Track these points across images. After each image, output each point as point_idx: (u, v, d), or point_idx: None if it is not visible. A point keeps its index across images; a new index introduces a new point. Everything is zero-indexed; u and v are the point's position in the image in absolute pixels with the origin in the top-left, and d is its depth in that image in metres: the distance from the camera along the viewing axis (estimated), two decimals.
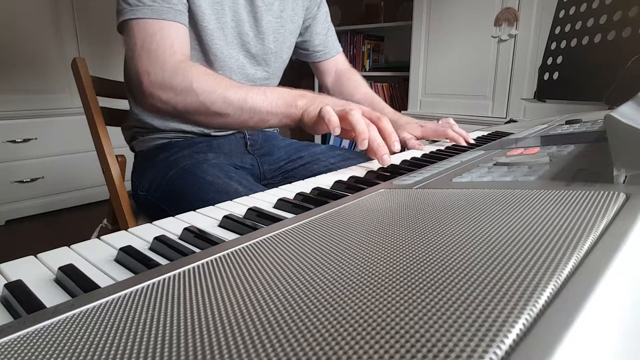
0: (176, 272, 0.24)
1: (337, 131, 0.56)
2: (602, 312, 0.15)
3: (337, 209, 0.34)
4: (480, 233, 0.23)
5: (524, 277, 0.17)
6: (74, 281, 0.26)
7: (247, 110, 0.61)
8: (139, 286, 0.22)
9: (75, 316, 0.20)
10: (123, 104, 0.86)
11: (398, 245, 0.23)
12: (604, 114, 0.32)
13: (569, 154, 0.43)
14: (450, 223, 0.25)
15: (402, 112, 0.91)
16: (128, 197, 0.82)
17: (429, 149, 0.74)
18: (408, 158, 0.63)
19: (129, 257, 0.29)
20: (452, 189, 0.35)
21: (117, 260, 0.30)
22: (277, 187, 0.50)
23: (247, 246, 0.27)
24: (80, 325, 0.19)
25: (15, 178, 2.06)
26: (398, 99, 2.81)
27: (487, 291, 0.16)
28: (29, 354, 0.17)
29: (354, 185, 0.46)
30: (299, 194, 0.44)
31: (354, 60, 2.91)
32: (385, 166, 0.54)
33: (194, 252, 0.29)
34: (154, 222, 0.38)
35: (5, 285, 0.25)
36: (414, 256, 0.21)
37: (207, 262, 0.25)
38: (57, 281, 0.27)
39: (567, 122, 0.74)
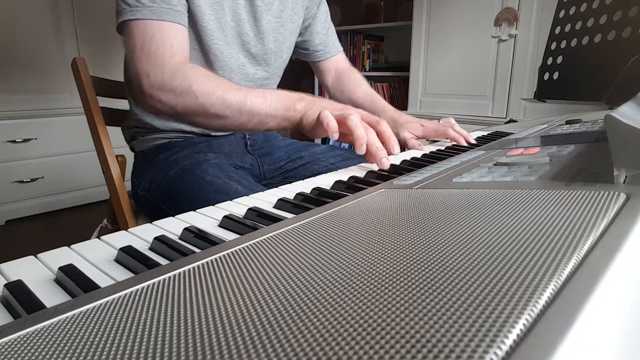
0: (176, 272, 0.24)
1: (336, 136, 0.57)
2: (602, 313, 0.15)
3: (337, 209, 0.34)
4: (481, 233, 0.23)
5: (525, 277, 0.17)
6: (74, 281, 0.26)
7: (246, 113, 0.61)
8: (139, 286, 0.22)
9: (75, 316, 0.20)
10: (123, 104, 0.86)
11: (398, 246, 0.23)
12: (604, 114, 0.32)
13: (569, 154, 0.43)
14: (451, 223, 0.25)
15: (402, 112, 0.91)
16: (128, 197, 0.82)
17: (429, 149, 0.74)
18: (408, 158, 0.63)
19: (129, 257, 0.29)
20: (452, 189, 0.35)
21: (117, 260, 0.30)
22: (277, 187, 0.50)
23: (247, 246, 0.27)
24: (80, 326, 0.19)
25: (15, 178, 2.06)
26: (398, 99, 2.81)
27: (488, 291, 0.16)
28: (29, 354, 0.17)
29: (354, 185, 0.46)
30: (299, 194, 0.44)
31: (354, 60, 2.91)
32: (384, 169, 0.54)
33: (194, 252, 0.29)
34: (154, 222, 0.38)
35: (5, 285, 0.25)
36: (414, 256, 0.21)
37: (207, 262, 0.25)
38: (57, 281, 0.27)
39: (567, 122, 0.74)
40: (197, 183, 0.66)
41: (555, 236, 0.21)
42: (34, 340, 0.18)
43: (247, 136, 0.85)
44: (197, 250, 0.30)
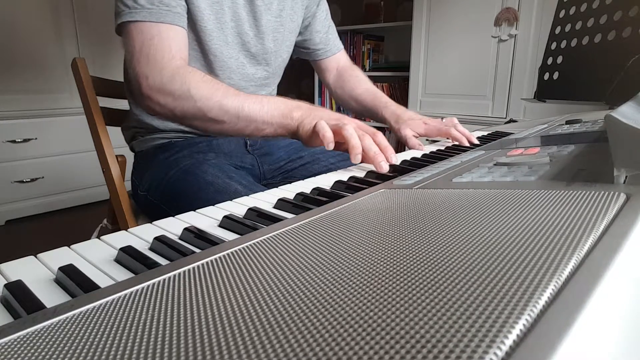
0: (176, 272, 0.24)
1: (331, 146, 0.57)
2: (602, 313, 0.15)
3: (337, 209, 0.34)
4: (481, 233, 0.23)
5: (525, 277, 0.17)
6: (74, 281, 0.26)
7: (243, 119, 0.62)
8: (139, 286, 0.22)
9: (75, 316, 0.20)
10: (123, 104, 0.86)
11: (398, 246, 0.23)
12: (604, 114, 0.32)
13: (569, 154, 0.43)
14: (451, 223, 0.25)
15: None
16: (128, 197, 0.81)
17: (429, 149, 0.74)
18: (408, 158, 0.63)
19: (129, 257, 0.29)
20: (453, 189, 0.35)
21: (117, 261, 0.30)
22: (277, 187, 0.50)
23: (247, 246, 0.27)
24: (80, 326, 0.19)
25: (15, 178, 2.05)
26: (398, 99, 2.80)
27: (488, 291, 0.16)
28: (29, 355, 0.17)
29: (354, 185, 0.46)
30: (299, 194, 0.44)
31: (354, 61, 2.89)
32: (383, 172, 0.54)
33: (194, 252, 0.29)
34: (154, 222, 0.38)
35: (5, 286, 0.25)
36: (414, 256, 0.21)
37: (207, 262, 0.25)
38: (57, 281, 0.27)
39: (567, 122, 0.74)
40: (197, 183, 0.66)
41: (555, 236, 0.21)
42: (34, 341, 0.18)
43: None
44: (197, 250, 0.30)
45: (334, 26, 0.99)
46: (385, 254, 0.22)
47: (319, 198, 0.42)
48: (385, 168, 0.54)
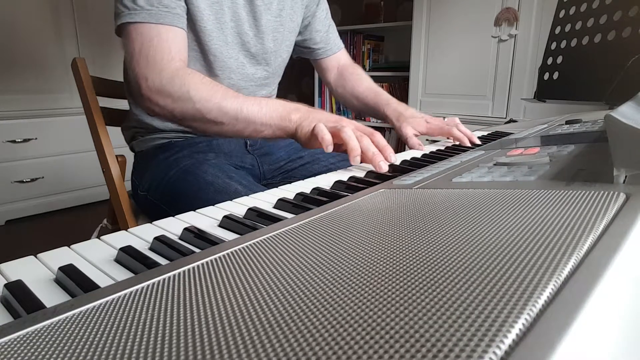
0: (176, 272, 0.24)
1: (330, 149, 0.57)
2: (602, 312, 0.15)
3: (337, 209, 0.34)
4: (480, 233, 0.23)
5: (524, 276, 0.17)
6: (74, 281, 0.26)
7: (242, 120, 0.62)
8: (139, 286, 0.22)
9: (75, 316, 0.20)
10: (123, 104, 0.86)
11: (398, 245, 0.23)
12: (604, 114, 0.32)
13: (569, 154, 0.43)
14: (450, 223, 0.25)
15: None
16: (128, 197, 0.82)
17: (429, 149, 0.74)
18: (408, 158, 0.63)
19: (129, 257, 0.29)
20: (452, 189, 0.35)
21: (117, 260, 0.30)
22: (277, 187, 0.51)
23: (247, 246, 0.27)
24: (80, 326, 0.19)
25: (15, 178, 2.05)
26: (398, 99, 2.78)
27: (487, 291, 0.16)
28: (29, 354, 0.17)
29: (354, 185, 0.46)
30: (299, 194, 0.44)
31: (354, 61, 2.90)
32: (382, 172, 0.54)
33: (194, 252, 0.29)
34: (154, 222, 0.38)
35: (5, 285, 0.25)
36: (414, 256, 0.21)
37: (207, 262, 0.25)
38: (57, 281, 0.27)
39: (567, 122, 0.74)
40: (197, 183, 0.66)
41: (554, 236, 0.21)
42: (34, 340, 0.18)
43: None
44: (197, 250, 0.30)
45: (334, 25, 0.99)
46: (385, 253, 0.22)
47: (319, 198, 0.42)
48: (384, 168, 0.54)
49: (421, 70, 2.38)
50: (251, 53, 0.79)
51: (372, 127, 0.61)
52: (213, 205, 0.44)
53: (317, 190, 0.46)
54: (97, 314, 0.19)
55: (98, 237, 0.35)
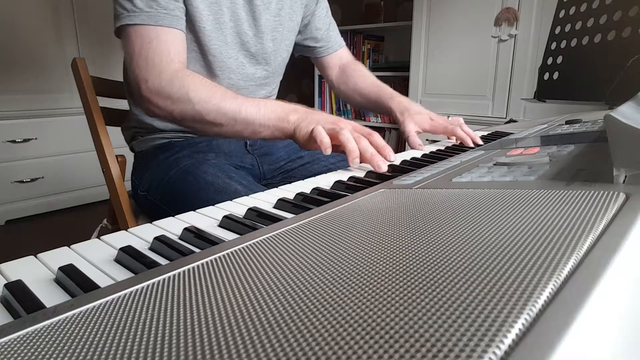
0: (176, 272, 0.24)
1: (329, 152, 0.58)
2: (601, 312, 0.15)
3: (337, 209, 0.34)
4: (480, 233, 0.23)
5: (524, 276, 0.17)
6: (74, 281, 0.26)
7: (241, 122, 0.62)
8: (139, 286, 0.22)
9: (75, 316, 0.20)
10: (123, 104, 0.86)
11: (398, 245, 0.23)
12: (604, 114, 0.32)
13: (569, 154, 0.43)
14: (450, 223, 0.25)
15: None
16: (128, 197, 0.82)
17: (429, 149, 0.74)
18: (408, 158, 0.63)
19: (129, 257, 0.29)
20: (452, 189, 0.35)
21: (117, 260, 0.30)
22: (277, 187, 0.51)
23: (247, 246, 0.27)
24: (80, 325, 0.19)
25: (15, 178, 2.05)
26: None
27: (487, 291, 0.16)
28: (29, 354, 0.17)
29: (354, 185, 0.46)
30: (299, 194, 0.44)
31: None
32: (382, 172, 0.54)
33: (193, 252, 0.29)
34: (154, 222, 0.38)
35: (5, 285, 0.25)
36: (413, 256, 0.21)
37: (207, 262, 0.25)
38: (57, 281, 0.27)
39: (567, 122, 0.74)
40: (197, 183, 0.66)
41: (554, 236, 0.21)
42: (34, 340, 0.18)
43: None
44: (197, 250, 0.30)
45: (335, 23, 0.99)
46: (385, 253, 0.22)
47: (319, 198, 0.42)
48: (383, 168, 0.54)
49: (421, 70, 2.38)
50: (251, 53, 0.79)
51: (371, 127, 0.62)
52: (213, 205, 0.44)
53: (317, 190, 0.46)
54: (97, 314, 0.19)
55: (98, 237, 0.35)
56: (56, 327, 0.19)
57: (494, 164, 0.44)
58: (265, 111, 0.62)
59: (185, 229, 0.34)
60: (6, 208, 2.06)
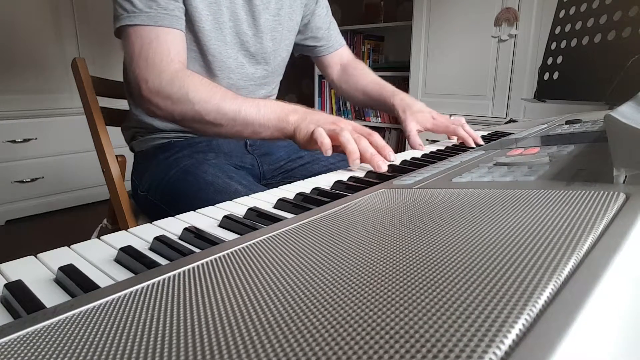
0: (176, 272, 0.24)
1: (329, 153, 0.58)
2: (602, 312, 0.15)
3: (337, 209, 0.34)
4: (480, 233, 0.23)
5: (524, 277, 0.17)
6: (74, 281, 0.26)
7: (240, 122, 0.63)
8: (139, 286, 0.22)
9: (75, 316, 0.20)
10: (123, 104, 0.86)
11: (398, 245, 0.23)
12: (604, 114, 0.32)
13: (569, 154, 0.43)
14: (450, 223, 0.25)
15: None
16: (128, 197, 0.82)
17: (429, 148, 0.74)
18: (408, 158, 0.63)
19: (129, 257, 0.29)
20: (452, 189, 0.35)
21: (117, 260, 0.30)
22: (277, 187, 0.51)
23: (247, 246, 0.27)
24: (80, 326, 0.19)
25: (15, 178, 2.05)
26: None
27: (487, 291, 0.16)
28: (29, 354, 0.17)
29: (354, 185, 0.46)
30: (299, 194, 0.44)
31: None
32: (382, 172, 0.54)
33: (194, 252, 0.29)
34: (154, 222, 0.38)
35: (5, 285, 0.25)
36: (414, 256, 0.21)
37: (207, 262, 0.25)
38: (57, 281, 0.27)
39: (567, 122, 0.74)
40: (197, 183, 0.66)
41: (554, 236, 0.21)
42: (34, 340, 0.18)
43: None
44: (197, 250, 0.30)
45: (335, 22, 0.99)
46: (385, 253, 0.22)
47: (319, 198, 0.42)
48: (383, 168, 0.54)
49: (421, 70, 2.38)
50: (250, 52, 0.79)
51: (371, 127, 0.62)
52: (213, 205, 0.44)
53: (317, 190, 0.46)
54: (97, 314, 0.19)
55: (98, 237, 0.35)
56: (56, 328, 0.19)
57: (494, 164, 0.44)
58: (265, 111, 0.63)
59: (185, 229, 0.34)
60: (6, 208, 2.06)
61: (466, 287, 0.17)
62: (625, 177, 0.30)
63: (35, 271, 0.29)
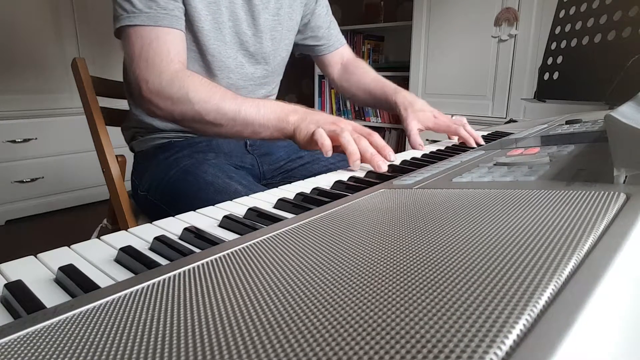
0: (176, 272, 0.24)
1: (330, 154, 0.58)
2: (602, 313, 0.15)
3: (337, 209, 0.33)
4: (481, 233, 0.23)
5: (525, 277, 0.17)
6: (74, 281, 0.26)
7: (240, 122, 0.63)
8: (139, 286, 0.22)
9: (75, 316, 0.20)
10: (123, 104, 0.86)
11: (398, 246, 0.23)
12: (604, 114, 0.32)
13: (569, 154, 0.43)
14: (451, 223, 0.25)
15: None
16: (128, 197, 0.82)
17: (429, 148, 0.74)
18: (408, 158, 0.63)
19: (129, 257, 0.29)
20: (452, 189, 0.35)
21: (117, 260, 0.30)
22: (277, 187, 0.51)
23: (247, 246, 0.27)
24: (80, 326, 0.19)
25: (15, 178, 2.05)
26: None
27: (488, 291, 0.16)
28: (29, 354, 0.17)
29: (354, 185, 0.46)
30: (299, 194, 0.44)
31: None
32: (382, 172, 0.54)
33: (194, 252, 0.29)
34: (154, 222, 0.38)
35: (5, 285, 0.25)
36: (414, 256, 0.21)
37: (207, 262, 0.25)
38: (57, 281, 0.27)
39: (567, 122, 0.74)
40: (197, 183, 0.66)
41: (555, 236, 0.21)
42: (34, 341, 0.18)
43: None
44: (197, 250, 0.30)
45: (336, 22, 0.99)
46: (385, 254, 0.22)
47: (319, 198, 0.42)
48: (383, 168, 0.54)
49: (421, 70, 2.38)
50: (250, 52, 0.79)
51: (371, 127, 0.62)
52: (213, 205, 0.44)
53: (317, 190, 0.45)
54: (97, 315, 0.19)
55: (98, 237, 0.35)
56: (56, 328, 0.19)
57: (494, 164, 0.44)
58: (265, 111, 0.63)
59: (186, 229, 0.34)
60: (6, 208, 2.06)
61: (467, 287, 0.17)
62: (626, 177, 0.30)
63: (36, 271, 0.29)
